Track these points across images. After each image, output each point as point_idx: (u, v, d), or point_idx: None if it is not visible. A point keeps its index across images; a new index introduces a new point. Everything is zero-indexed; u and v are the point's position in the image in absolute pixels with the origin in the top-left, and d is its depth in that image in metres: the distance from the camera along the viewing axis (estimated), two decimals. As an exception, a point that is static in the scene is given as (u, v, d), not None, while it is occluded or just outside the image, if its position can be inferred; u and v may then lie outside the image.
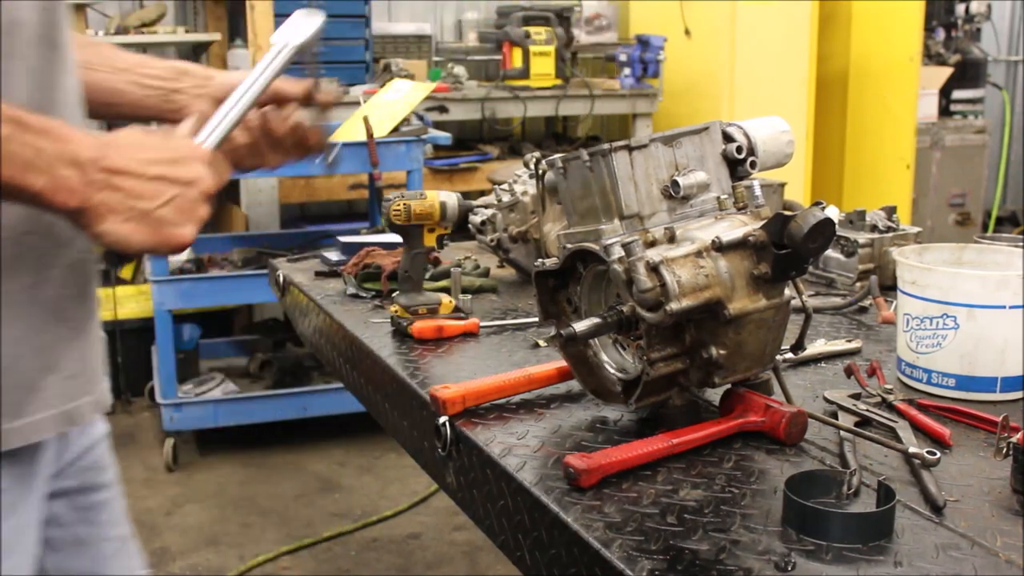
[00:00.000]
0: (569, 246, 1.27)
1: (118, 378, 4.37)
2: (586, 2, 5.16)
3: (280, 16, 4.08)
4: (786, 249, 1.18)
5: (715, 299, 1.18)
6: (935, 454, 1.11)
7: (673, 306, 1.16)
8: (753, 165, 1.34)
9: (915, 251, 1.50)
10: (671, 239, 1.22)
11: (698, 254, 1.19)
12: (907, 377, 1.43)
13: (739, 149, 1.32)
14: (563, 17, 4.74)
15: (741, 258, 1.20)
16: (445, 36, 5.27)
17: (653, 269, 1.16)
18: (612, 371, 1.32)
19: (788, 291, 1.25)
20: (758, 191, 1.31)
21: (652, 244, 1.22)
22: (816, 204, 1.22)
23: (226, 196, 4.30)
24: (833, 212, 2.09)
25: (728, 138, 1.33)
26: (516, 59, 4.63)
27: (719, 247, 1.19)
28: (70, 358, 1.05)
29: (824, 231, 1.17)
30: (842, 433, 1.22)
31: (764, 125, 1.41)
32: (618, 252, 1.18)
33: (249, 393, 3.82)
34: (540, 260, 1.33)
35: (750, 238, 1.20)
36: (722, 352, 1.21)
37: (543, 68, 4.59)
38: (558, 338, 1.29)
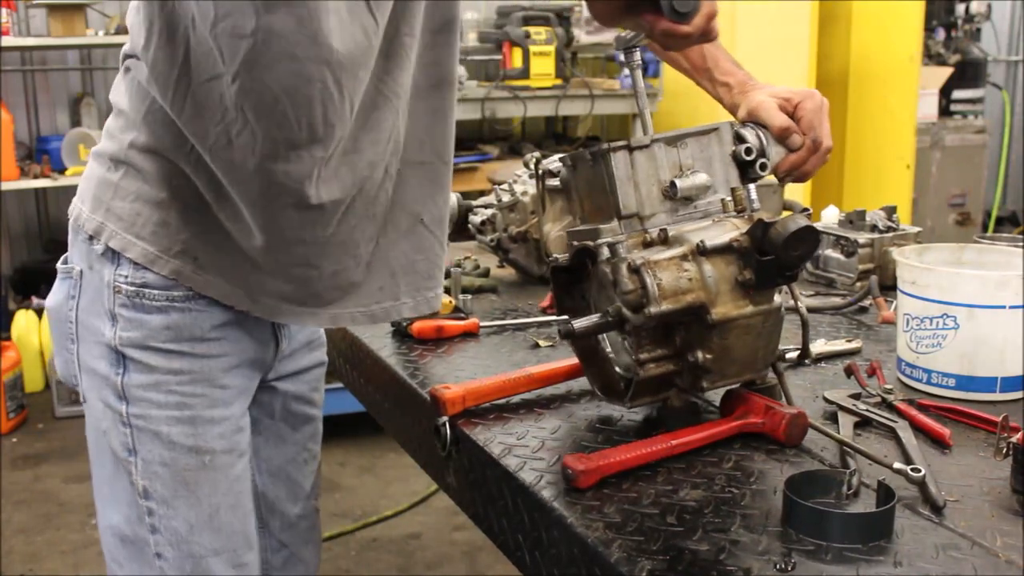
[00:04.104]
0: (575, 243, 1.28)
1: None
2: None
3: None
4: (769, 255, 1.18)
5: (697, 303, 1.17)
6: (919, 471, 1.08)
7: (652, 309, 1.15)
8: (763, 167, 1.32)
9: (915, 251, 1.50)
10: (664, 241, 1.22)
11: (684, 257, 1.18)
12: (907, 377, 1.43)
13: (748, 151, 1.31)
14: (563, 17, 4.75)
15: (727, 263, 1.19)
16: (445, 36, 5.26)
17: (634, 271, 1.16)
18: (617, 369, 1.32)
19: (780, 297, 1.24)
20: (753, 194, 1.30)
21: (650, 245, 1.21)
22: (803, 211, 1.21)
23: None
24: (833, 212, 2.10)
25: (740, 139, 1.32)
26: (516, 59, 4.63)
27: (703, 251, 1.18)
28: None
29: (805, 239, 1.15)
30: (842, 433, 1.22)
31: None
32: (607, 252, 1.18)
33: (249, 393, 3.81)
34: (554, 255, 1.33)
35: (734, 243, 1.19)
36: (708, 356, 1.20)
37: (543, 68, 4.59)
38: (559, 333, 1.30)
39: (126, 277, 1.20)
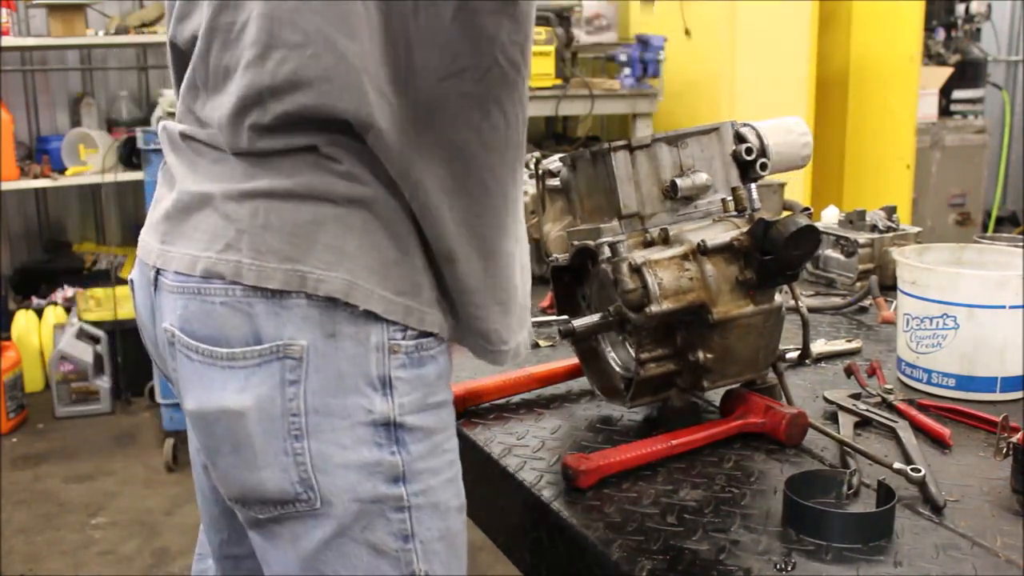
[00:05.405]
0: (575, 243, 1.28)
1: (118, 378, 4.37)
2: (586, 2, 5.16)
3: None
4: (770, 255, 1.18)
5: (698, 303, 1.18)
6: (919, 471, 1.08)
7: (653, 308, 1.16)
8: (764, 167, 1.32)
9: (915, 251, 1.50)
10: (665, 240, 1.22)
11: (684, 257, 1.19)
12: (907, 377, 1.43)
13: (748, 151, 1.30)
14: (563, 17, 4.74)
15: (727, 263, 1.20)
16: (445, 36, 5.26)
17: (635, 270, 1.16)
18: (617, 369, 1.32)
19: (780, 297, 1.24)
20: (754, 194, 1.30)
21: (650, 244, 1.21)
22: (804, 211, 1.21)
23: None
24: (833, 212, 2.10)
25: (740, 139, 1.32)
26: (516, 59, 4.62)
27: (704, 250, 1.18)
28: None
29: (806, 238, 1.15)
30: (842, 433, 1.22)
31: (779, 126, 1.38)
32: (607, 252, 1.18)
33: (249, 393, 3.81)
34: (555, 256, 1.33)
35: (735, 243, 1.19)
36: (709, 356, 1.20)
37: (543, 68, 4.58)
38: (559, 333, 1.30)
39: (405, 331, 0.98)
